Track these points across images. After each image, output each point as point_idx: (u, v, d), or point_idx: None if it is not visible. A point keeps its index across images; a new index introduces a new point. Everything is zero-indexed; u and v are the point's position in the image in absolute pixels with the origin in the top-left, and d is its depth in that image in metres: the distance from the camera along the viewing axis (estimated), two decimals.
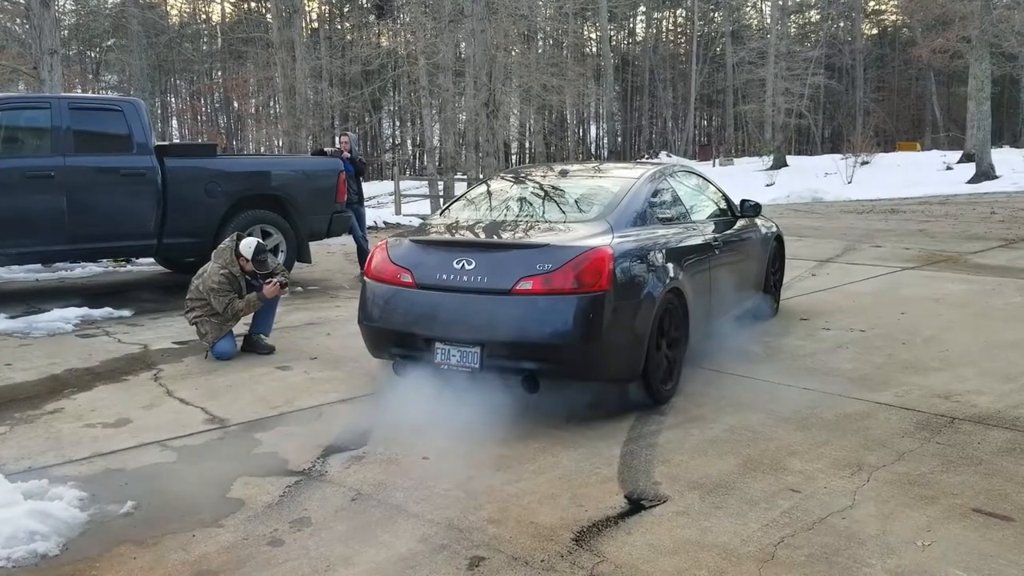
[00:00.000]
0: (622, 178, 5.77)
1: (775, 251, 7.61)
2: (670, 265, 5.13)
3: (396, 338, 4.91)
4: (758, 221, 7.29)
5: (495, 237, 5.12)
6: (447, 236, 5.31)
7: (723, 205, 6.88)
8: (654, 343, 4.88)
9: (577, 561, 3.11)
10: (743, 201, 7.06)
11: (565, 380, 4.78)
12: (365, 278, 5.27)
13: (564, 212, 5.39)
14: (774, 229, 7.73)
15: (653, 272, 4.95)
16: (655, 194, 5.70)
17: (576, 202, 5.51)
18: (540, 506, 3.58)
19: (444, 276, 4.78)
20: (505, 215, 5.55)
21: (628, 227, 5.11)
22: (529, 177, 6.38)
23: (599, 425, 4.62)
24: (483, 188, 6.28)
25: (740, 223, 6.88)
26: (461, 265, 4.76)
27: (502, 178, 6.56)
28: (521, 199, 5.86)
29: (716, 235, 6.18)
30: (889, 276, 9.75)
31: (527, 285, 4.57)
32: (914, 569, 3.03)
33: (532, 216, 5.47)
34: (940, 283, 9.16)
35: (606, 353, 4.63)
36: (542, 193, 5.90)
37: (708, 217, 6.47)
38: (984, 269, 10.15)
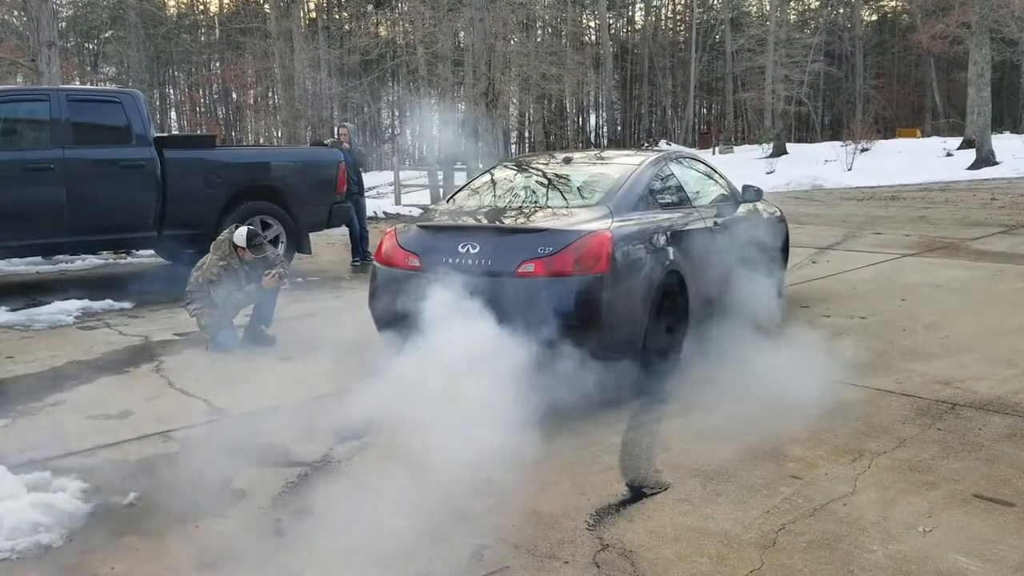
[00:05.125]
0: (623, 165, 5.91)
1: (778, 235, 7.60)
2: (670, 248, 5.27)
3: (405, 320, 4.88)
4: (760, 206, 7.30)
5: (498, 222, 5.30)
6: (452, 222, 5.48)
7: (725, 190, 6.89)
8: (652, 324, 5.03)
9: (579, 549, 3.12)
10: (745, 186, 7.10)
11: (566, 357, 4.78)
12: (375, 262, 5.45)
13: (566, 198, 5.55)
14: (777, 214, 7.75)
15: (652, 255, 5.11)
16: (655, 180, 5.82)
17: (578, 188, 5.66)
18: (542, 494, 3.59)
19: (450, 260, 4.93)
20: (509, 202, 5.71)
21: (628, 212, 5.25)
22: (532, 165, 6.54)
23: (600, 414, 4.63)
24: (487, 176, 6.42)
25: (742, 208, 6.88)
26: (466, 249, 4.93)
27: (505, 166, 6.64)
28: (524, 186, 5.99)
29: (717, 219, 6.22)
30: (889, 263, 9.75)
31: (529, 268, 4.74)
32: (915, 555, 3.04)
33: (535, 202, 5.62)
34: (940, 270, 9.16)
35: (605, 332, 4.77)
36: (545, 180, 6.01)
37: (709, 202, 6.50)
38: (984, 255, 10.14)
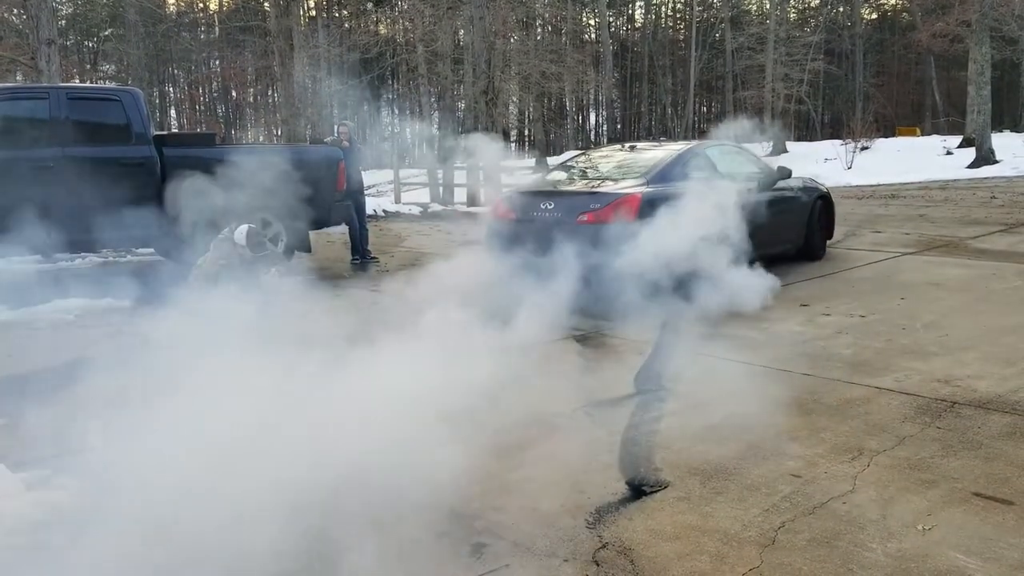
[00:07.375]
0: (668, 150, 8.19)
1: (819, 208, 9.74)
2: (690, 210, 6.84)
3: (506, 253, 7.18)
4: (795, 182, 9.31)
5: (567, 188, 7.88)
6: (539, 188, 8.08)
7: (755, 169, 8.82)
8: (675, 259, 6.51)
9: (579, 547, 3.12)
10: (779, 167, 9.12)
11: (609, 280, 6.51)
12: (489, 217, 8.03)
13: (621, 172, 7.89)
14: (819, 191, 9.91)
15: (673, 213, 6.79)
16: (690, 160, 7.88)
17: (631, 166, 7.94)
18: (541, 492, 3.58)
19: (535, 213, 7.47)
20: (581, 175, 8.30)
21: (661, 182, 7.42)
22: (604, 151, 9.39)
23: (599, 412, 4.63)
24: (571, 159, 9.29)
25: (777, 183, 8.81)
26: (545, 206, 7.45)
27: (586, 152, 9.32)
28: (595, 165, 8.58)
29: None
30: (889, 261, 9.75)
31: (584, 218, 7.06)
32: (915, 553, 3.04)
33: (598, 175, 8.13)
34: (940, 268, 9.15)
35: (637, 263, 6.42)
36: (611, 161, 8.52)
37: (741, 178, 8.20)
38: (984, 254, 10.14)
